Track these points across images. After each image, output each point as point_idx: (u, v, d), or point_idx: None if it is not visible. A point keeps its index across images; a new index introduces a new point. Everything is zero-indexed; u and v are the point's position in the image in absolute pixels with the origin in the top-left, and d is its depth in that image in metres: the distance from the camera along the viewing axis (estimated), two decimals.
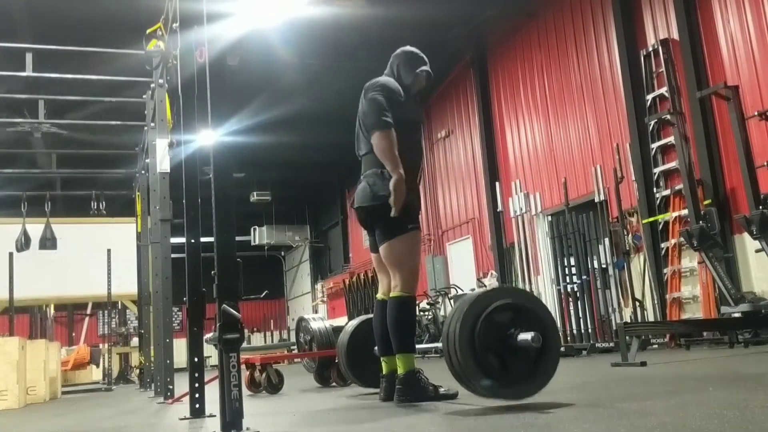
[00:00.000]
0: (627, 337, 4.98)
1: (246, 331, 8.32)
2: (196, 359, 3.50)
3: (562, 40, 10.05)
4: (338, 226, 20.15)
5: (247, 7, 8.99)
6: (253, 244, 21.15)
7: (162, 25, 5.49)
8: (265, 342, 23.13)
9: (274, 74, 11.88)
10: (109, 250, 9.15)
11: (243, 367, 5.14)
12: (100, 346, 12.22)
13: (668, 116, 7.75)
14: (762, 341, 6.16)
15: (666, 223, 8.02)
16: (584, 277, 8.15)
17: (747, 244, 6.97)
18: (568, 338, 8.22)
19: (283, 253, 25.08)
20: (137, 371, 10.29)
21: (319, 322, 5.65)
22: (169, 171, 5.44)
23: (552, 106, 10.30)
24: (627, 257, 8.11)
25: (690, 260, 7.70)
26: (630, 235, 8.38)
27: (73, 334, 19.79)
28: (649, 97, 8.24)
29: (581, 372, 4.75)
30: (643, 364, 4.60)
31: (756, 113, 6.65)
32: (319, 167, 17.54)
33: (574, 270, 8.34)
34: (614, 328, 7.40)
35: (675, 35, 8.00)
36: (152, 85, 6.20)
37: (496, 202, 10.69)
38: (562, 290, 8.50)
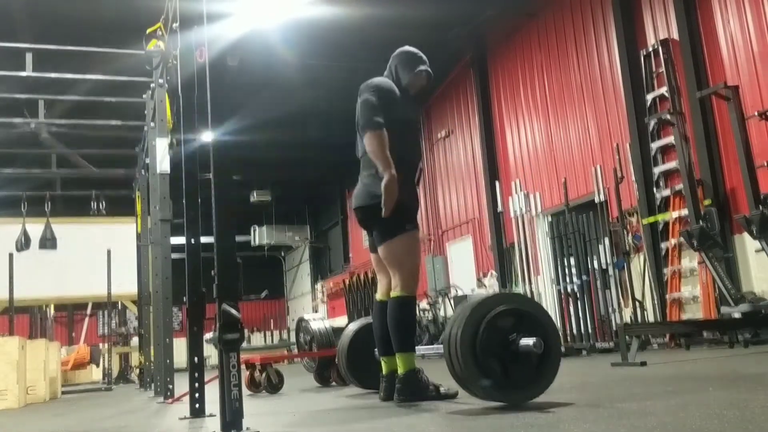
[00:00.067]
0: (627, 337, 4.98)
1: (246, 331, 8.33)
2: (196, 359, 3.50)
3: (562, 40, 10.05)
4: (338, 226, 20.14)
5: (247, 7, 8.99)
6: (253, 244, 21.15)
7: (162, 25, 5.49)
8: (265, 342, 23.13)
9: (274, 74, 11.88)
10: (109, 250, 9.15)
11: (243, 367, 5.15)
12: (100, 346, 12.22)
13: (668, 116, 7.75)
14: (762, 341, 6.16)
15: (666, 223, 8.02)
16: (584, 277, 8.14)
17: (747, 244, 6.98)
18: (568, 338, 8.22)
19: (283, 253, 25.07)
20: (137, 371, 10.29)
21: (319, 322, 5.65)
22: (169, 171, 5.44)
23: (552, 106, 10.30)
24: (627, 257, 8.11)
25: (690, 260, 7.70)
26: (630, 235, 8.38)
27: (73, 334, 19.77)
28: (649, 97, 8.24)
29: (581, 372, 4.75)
30: (643, 364, 4.60)
31: (756, 113, 6.65)
32: (319, 167, 17.55)
33: (574, 270, 8.33)
34: (614, 328, 7.40)
35: (675, 35, 8.00)
36: (152, 85, 6.20)
37: (496, 202, 10.69)
38: (562, 290, 8.49)
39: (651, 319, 7.93)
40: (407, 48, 3.61)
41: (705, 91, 7.07)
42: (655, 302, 7.96)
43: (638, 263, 8.32)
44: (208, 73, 2.63)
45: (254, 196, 18.19)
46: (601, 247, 7.97)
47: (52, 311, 14.89)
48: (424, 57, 3.59)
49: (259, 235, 21.09)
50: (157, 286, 5.57)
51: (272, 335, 24.22)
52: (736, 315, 5.75)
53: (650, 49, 8.28)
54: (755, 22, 7.10)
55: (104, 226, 9.80)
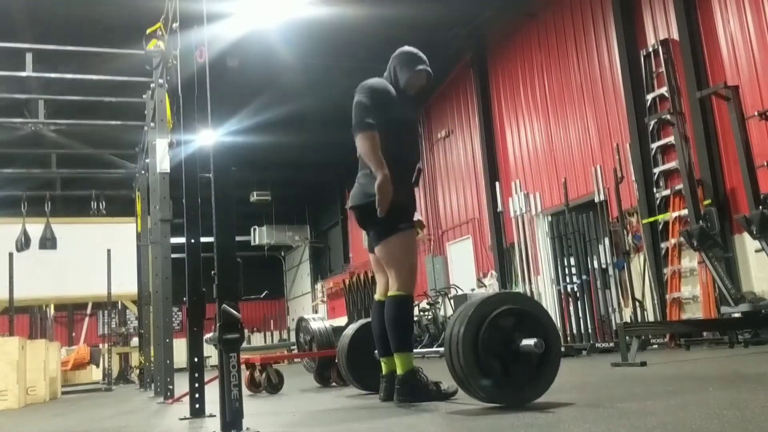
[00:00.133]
0: (627, 337, 4.98)
1: (246, 331, 8.32)
2: (196, 359, 3.50)
3: (562, 40, 10.05)
4: (338, 226, 20.15)
5: (247, 7, 8.99)
6: (253, 244, 21.16)
7: (162, 25, 5.49)
8: (265, 342, 23.13)
9: (274, 74, 11.88)
10: (109, 250, 9.15)
11: (243, 367, 5.15)
12: (100, 346, 12.21)
13: (668, 116, 7.76)
14: (762, 341, 6.16)
15: (666, 223, 8.02)
16: (584, 277, 8.15)
17: (747, 244, 6.98)
18: (568, 338, 8.22)
19: (283, 253, 25.08)
20: (137, 371, 10.29)
21: (319, 322, 5.65)
22: (169, 171, 5.44)
23: (552, 106, 10.30)
24: (627, 257, 8.11)
25: (690, 260, 7.70)
26: (630, 235, 8.38)
27: (73, 334, 19.77)
28: (649, 97, 8.24)
29: (581, 372, 4.75)
30: (643, 364, 4.60)
31: (756, 113, 6.65)
32: (319, 167, 17.55)
33: (574, 270, 8.34)
34: (614, 328, 7.39)
35: (675, 35, 8.00)
36: (152, 85, 6.20)
37: (496, 202, 10.69)
38: (562, 290, 8.50)
39: (651, 319, 7.93)
40: (406, 48, 3.61)
41: (705, 91, 7.07)
42: (655, 302, 7.96)
43: (638, 263, 8.32)
44: (208, 73, 2.63)
45: (254, 196, 18.19)
46: (601, 247, 7.97)
47: (52, 311, 14.89)
48: (424, 57, 3.58)
49: (259, 235, 21.09)
50: (157, 286, 5.57)
51: (272, 335, 24.23)
52: (736, 315, 5.75)
53: (650, 49, 8.28)
54: (755, 22, 7.10)
55: (104, 226, 9.80)
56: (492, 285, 11.17)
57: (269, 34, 10.27)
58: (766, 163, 6.48)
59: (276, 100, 12.62)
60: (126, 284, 9.15)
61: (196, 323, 3.38)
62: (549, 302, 8.81)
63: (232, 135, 2.57)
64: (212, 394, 2.90)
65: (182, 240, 3.54)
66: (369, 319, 3.72)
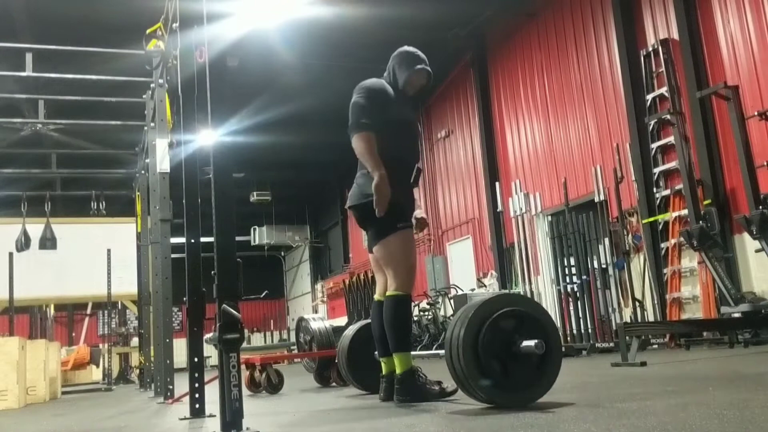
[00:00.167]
0: (627, 337, 4.98)
1: (246, 331, 8.32)
2: (196, 359, 3.49)
3: (562, 40, 10.05)
4: (338, 226, 20.15)
5: (247, 7, 8.99)
6: (253, 244, 21.16)
7: (162, 25, 5.48)
8: (265, 342, 23.14)
9: (274, 74, 11.88)
10: (109, 250, 9.15)
11: (243, 367, 5.14)
12: (100, 346, 12.22)
13: (668, 116, 7.76)
14: (762, 341, 6.16)
15: (666, 223, 8.02)
16: (584, 277, 8.15)
17: (747, 244, 6.98)
18: (568, 338, 8.22)
19: (283, 253, 25.08)
20: (137, 371, 10.29)
21: (319, 322, 5.65)
22: (169, 171, 5.44)
23: (552, 106, 10.30)
24: (627, 257, 8.11)
25: (690, 260, 7.70)
26: (630, 235, 8.38)
27: (73, 334, 19.81)
28: (649, 97, 8.24)
29: (581, 372, 4.75)
30: (643, 364, 4.60)
31: (756, 113, 6.65)
32: (319, 167, 17.56)
33: (574, 270, 8.34)
34: (614, 328, 7.39)
35: (675, 35, 8.00)
36: (152, 85, 6.20)
37: (496, 202, 10.69)
38: (562, 290, 8.50)
39: (651, 318, 7.93)
40: (406, 48, 3.61)
41: (705, 91, 7.07)
42: (655, 302, 7.96)
43: (638, 263, 8.32)
44: (208, 73, 2.63)
45: (254, 196, 18.20)
46: (601, 247, 7.97)
47: (52, 311, 14.89)
48: (423, 56, 3.57)
49: (259, 235, 21.10)
50: (157, 286, 5.57)
51: (272, 335, 24.23)
52: (736, 315, 5.75)
53: (650, 49, 8.28)
54: (755, 22, 7.10)
55: (104, 226, 9.80)
56: (492, 285, 11.17)
57: (269, 34, 10.27)
58: (766, 163, 6.48)
59: (276, 100, 12.62)
60: (126, 284, 9.15)
61: (196, 323, 3.37)
62: (549, 302, 8.81)
63: (232, 135, 2.57)
64: (212, 394, 2.90)
65: (182, 240, 3.54)
66: (369, 320, 3.72)
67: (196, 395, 3.44)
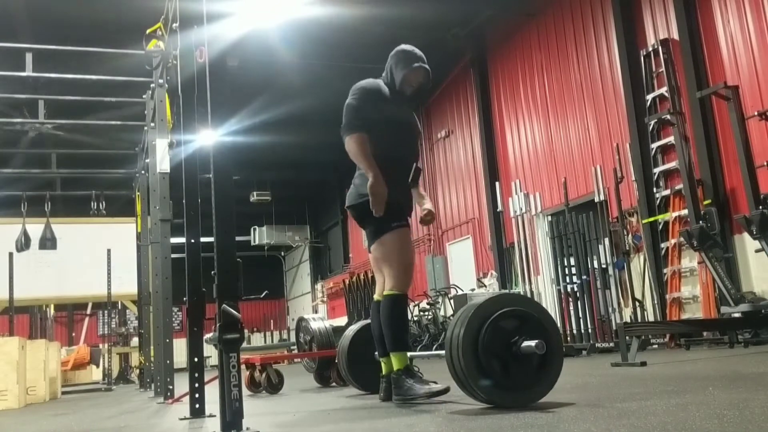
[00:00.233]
0: (627, 337, 4.98)
1: (246, 331, 8.33)
2: (196, 359, 3.50)
3: (562, 40, 10.05)
4: (338, 226, 20.15)
5: (247, 7, 8.99)
6: (253, 244, 21.16)
7: (162, 25, 5.49)
8: (265, 342, 23.13)
9: (274, 74, 11.88)
10: (109, 250, 9.15)
11: (243, 367, 5.15)
12: (100, 346, 12.22)
13: (668, 116, 7.76)
14: (762, 341, 6.16)
15: (666, 223, 8.02)
16: (584, 277, 8.15)
17: (747, 244, 6.98)
18: (568, 338, 8.22)
19: (283, 253, 25.08)
20: (137, 371, 10.29)
21: (319, 322, 5.65)
22: (169, 171, 5.44)
23: (552, 106, 10.30)
24: (627, 257, 8.11)
25: (690, 260, 7.70)
26: (630, 235, 8.38)
27: (73, 334, 19.82)
28: (649, 97, 8.24)
29: (581, 372, 4.75)
30: (643, 364, 4.60)
31: (756, 113, 6.65)
32: (319, 167, 17.55)
33: (574, 270, 8.34)
34: (614, 328, 7.39)
35: (675, 35, 8.00)
36: (152, 85, 6.20)
37: (496, 202, 10.69)
38: (562, 290, 8.50)
39: (651, 318, 7.93)
40: (403, 46, 3.59)
41: (705, 91, 7.07)
42: (655, 302, 7.96)
43: (638, 263, 8.32)
44: (208, 73, 2.63)
45: (254, 196, 18.20)
46: (600, 247, 7.97)
47: (52, 311, 14.89)
48: (420, 54, 3.54)
49: (259, 235, 21.10)
50: (157, 286, 5.57)
51: (272, 335, 24.23)
52: (736, 315, 5.75)
53: (650, 49, 8.28)
54: (755, 22, 7.10)
55: (104, 226, 9.81)
56: (492, 285, 11.17)
57: (269, 34, 10.27)
58: (766, 163, 6.48)
59: (276, 100, 12.62)
60: (126, 284, 9.16)
61: (196, 323, 3.37)
62: (549, 302, 8.81)
63: (232, 135, 2.57)
64: (212, 394, 2.90)
65: (182, 240, 3.54)
66: (369, 320, 3.72)
67: (196, 395, 3.44)
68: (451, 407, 2.84)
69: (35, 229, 9.30)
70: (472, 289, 11.19)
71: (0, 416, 5.02)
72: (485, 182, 11.76)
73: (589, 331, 8.05)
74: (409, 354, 3.34)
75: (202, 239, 3.49)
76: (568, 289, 8.39)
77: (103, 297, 9.28)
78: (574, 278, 8.31)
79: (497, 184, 10.92)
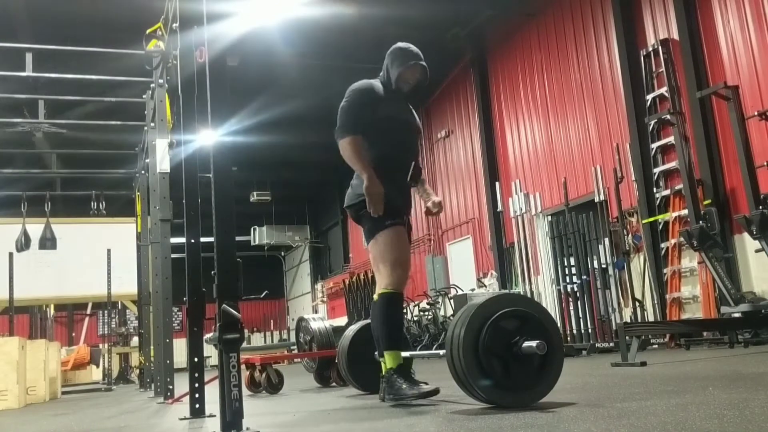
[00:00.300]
0: (627, 337, 4.98)
1: (246, 331, 8.32)
2: (196, 359, 3.50)
3: (562, 40, 10.05)
4: (338, 226, 20.15)
5: (247, 7, 8.99)
6: (253, 244, 21.17)
7: (162, 25, 5.48)
8: (265, 342, 23.13)
9: (274, 74, 11.88)
10: (109, 250, 9.15)
11: (243, 367, 5.14)
12: (100, 346, 12.22)
13: (668, 116, 7.76)
14: (762, 341, 6.16)
15: (666, 223, 8.02)
16: (584, 277, 8.15)
17: (747, 244, 6.98)
18: (568, 338, 8.22)
19: (283, 253, 25.08)
20: (137, 371, 10.29)
21: (319, 322, 5.65)
22: (169, 171, 5.44)
23: (552, 106, 10.30)
24: (627, 257, 8.11)
25: (690, 260, 7.70)
26: (630, 235, 8.38)
27: (73, 334, 19.84)
28: (649, 97, 8.24)
29: (581, 372, 4.75)
30: (643, 364, 4.60)
31: (756, 113, 6.65)
32: (319, 167, 17.55)
33: (574, 270, 8.34)
34: (614, 328, 7.40)
35: (675, 35, 8.00)
36: (152, 85, 6.20)
37: (496, 202, 10.69)
38: (562, 290, 8.50)
39: (651, 318, 7.93)
40: (398, 44, 3.54)
41: (705, 91, 7.08)
42: (655, 302, 7.96)
43: (638, 263, 8.32)
44: (208, 73, 2.63)
45: (254, 196, 18.20)
46: (600, 247, 7.97)
47: (52, 311, 14.89)
48: (416, 51, 3.50)
49: (259, 235, 21.10)
50: (157, 286, 5.57)
51: (272, 335, 24.23)
52: (736, 315, 5.75)
53: (650, 49, 8.28)
54: (755, 22, 7.10)
55: (104, 226, 9.81)
56: (492, 285, 11.17)
57: (269, 34, 10.27)
58: (766, 163, 6.48)
59: (276, 100, 12.62)
60: (126, 284, 9.16)
61: (196, 323, 3.37)
62: (549, 302, 8.81)
63: (232, 135, 2.57)
64: (212, 394, 2.90)
65: (182, 240, 3.54)
66: (369, 320, 3.72)
67: (196, 395, 3.44)
68: (451, 407, 2.84)
69: (35, 229, 9.30)
70: (472, 289, 11.20)
71: (0, 416, 5.02)
72: (485, 182, 11.76)
73: (589, 331, 8.05)
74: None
75: (202, 239, 3.49)
76: (568, 289, 8.39)
77: (103, 297, 9.28)
78: (574, 278, 8.31)
79: (497, 184, 10.92)
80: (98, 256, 9.16)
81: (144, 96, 6.96)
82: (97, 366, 11.21)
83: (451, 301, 10.93)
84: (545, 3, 10.33)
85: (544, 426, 2.05)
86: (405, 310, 11.71)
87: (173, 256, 5.25)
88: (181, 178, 3.74)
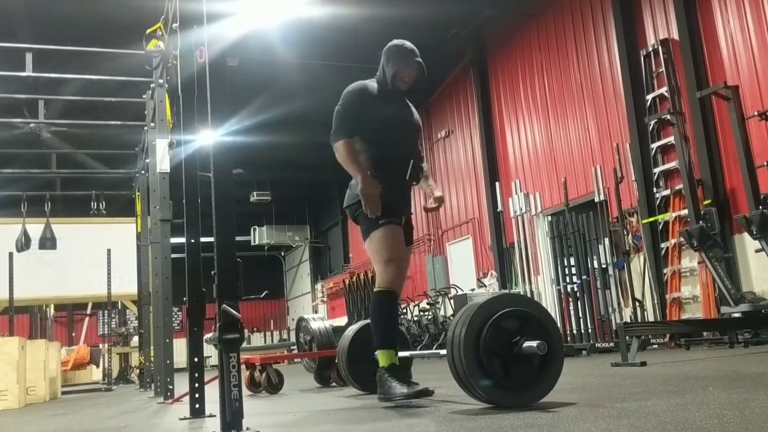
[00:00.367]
0: (627, 337, 4.98)
1: (246, 331, 8.32)
2: (196, 359, 3.50)
3: (562, 40, 10.05)
4: (338, 226, 20.15)
5: (247, 7, 8.99)
6: (253, 244, 21.16)
7: (162, 25, 5.49)
8: (265, 342, 23.13)
9: (274, 74, 11.88)
10: (109, 250, 9.15)
11: (243, 367, 5.14)
12: (100, 346, 12.21)
13: (668, 116, 7.76)
14: (762, 341, 6.16)
15: (666, 223, 8.02)
16: (584, 277, 8.15)
17: (747, 244, 6.98)
18: (568, 338, 8.22)
19: (283, 253, 25.07)
20: (137, 371, 10.29)
21: (319, 322, 5.65)
22: (169, 171, 5.44)
23: (552, 106, 10.30)
24: (627, 257, 8.11)
25: (690, 260, 7.70)
26: (630, 235, 8.38)
27: (73, 334, 19.83)
28: (649, 97, 8.24)
29: (581, 372, 4.75)
30: (643, 364, 4.60)
31: (756, 113, 6.65)
32: (319, 167, 17.48)
33: (574, 270, 8.34)
34: (614, 328, 7.40)
35: (675, 35, 8.00)
36: (152, 85, 6.20)
37: (496, 202, 10.69)
38: (562, 290, 8.50)
39: (651, 318, 7.93)
40: (394, 42, 3.49)
41: (705, 91, 7.07)
42: (655, 302, 7.96)
43: (638, 263, 8.32)
44: (208, 73, 2.62)
45: (254, 196, 18.20)
46: (600, 247, 7.97)
47: (52, 311, 14.89)
48: (411, 47, 3.45)
49: (259, 235, 21.10)
50: (157, 286, 5.57)
51: (272, 335, 24.23)
52: (736, 315, 5.75)
53: (650, 49, 8.28)
54: (755, 22, 7.10)
55: (104, 226, 9.81)
56: (492, 285, 11.17)
57: (269, 34, 10.27)
58: (766, 163, 6.48)
59: (276, 100, 12.61)
60: (126, 284, 9.16)
61: (196, 323, 3.37)
62: (549, 302, 8.82)
63: (232, 135, 2.57)
64: (212, 394, 2.90)
65: (182, 240, 3.54)
66: (369, 320, 3.72)
67: (196, 395, 3.44)
68: (451, 407, 2.84)
69: (35, 229, 9.30)
70: (472, 289, 11.20)
71: (0, 416, 5.02)
72: (485, 182, 11.75)
73: (589, 331, 8.05)
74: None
75: (202, 239, 3.49)
76: (568, 289, 8.39)
77: (103, 297, 9.28)
78: (574, 278, 8.31)
79: (497, 184, 10.92)
80: (98, 256, 9.16)
81: (144, 96, 6.96)
82: (97, 366, 11.20)
83: (451, 301, 10.94)
84: (545, 3, 10.33)
85: (544, 426, 2.05)
86: (405, 310, 11.73)
87: (173, 256, 5.25)
88: (181, 178, 3.74)
